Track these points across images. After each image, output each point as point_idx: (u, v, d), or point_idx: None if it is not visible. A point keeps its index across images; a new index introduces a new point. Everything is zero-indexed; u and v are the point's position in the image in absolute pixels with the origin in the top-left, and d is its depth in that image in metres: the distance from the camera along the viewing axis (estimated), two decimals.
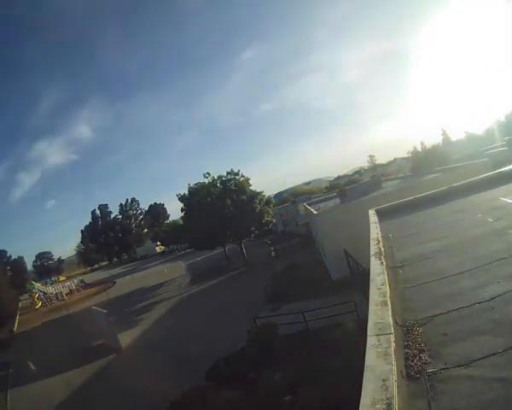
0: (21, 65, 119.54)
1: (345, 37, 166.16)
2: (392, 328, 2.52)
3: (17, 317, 34.91)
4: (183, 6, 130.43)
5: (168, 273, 38.24)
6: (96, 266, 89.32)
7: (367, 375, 2.10)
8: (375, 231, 5.99)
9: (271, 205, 35.61)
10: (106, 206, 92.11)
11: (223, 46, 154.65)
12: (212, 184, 31.30)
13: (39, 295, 41.75)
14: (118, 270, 64.03)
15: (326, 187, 61.36)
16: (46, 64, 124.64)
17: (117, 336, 17.60)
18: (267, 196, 35.06)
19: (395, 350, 2.28)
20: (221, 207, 28.86)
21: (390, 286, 3.44)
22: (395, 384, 1.95)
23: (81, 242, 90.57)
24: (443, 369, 2.16)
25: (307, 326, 13.12)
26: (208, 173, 31.95)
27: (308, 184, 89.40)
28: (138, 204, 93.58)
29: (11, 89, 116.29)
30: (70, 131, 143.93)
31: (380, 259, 4.24)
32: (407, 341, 2.57)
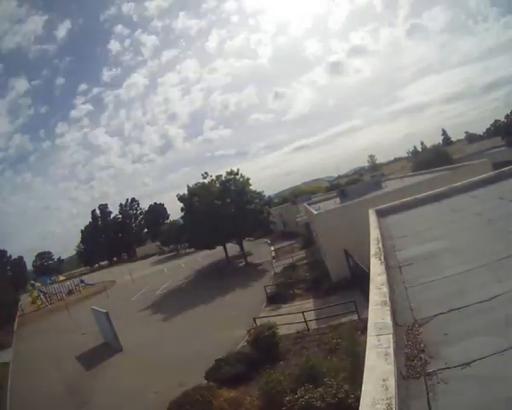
0: None
1: None
2: (392, 328, 2.52)
3: (17, 317, 34.90)
4: None
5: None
6: (96, 265, 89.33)
7: (367, 375, 2.10)
8: (375, 231, 5.99)
9: (271, 205, 35.64)
10: (106, 206, 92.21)
11: None
12: (212, 184, 31.34)
13: (39, 295, 41.73)
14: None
15: (326, 187, 61.40)
16: None
17: (117, 335, 17.57)
18: (267, 195, 35.11)
19: (395, 350, 2.28)
20: (221, 207, 28.88)
21: (390, 286, 3.44)
22: (395, 384, 1.94)
23: (81, 242, 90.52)
24: (443, 369, 2.16)
25: (307, 326, 13.13)
26: (206, 173, 32.00)
27: (308, 184, 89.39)
28: (138, 204, 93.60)
29: None
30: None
31: (380, 259, 4.24)
32: (407, 341, 2.57)
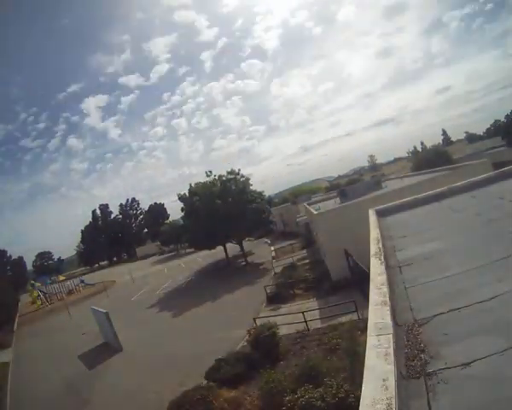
0: None
1: None
2: (392, 328, 2.52)
3: (17, 317, 34.90)
4: None
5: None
6: (96, 265, 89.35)
7: (367, 375, 2.10)
8: (375, 231, 5.99)
9: (271, 205, 35.59)
10: (106, 206, 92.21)
11: None
12: (213, 183, 31.32)
13: (39, 295, 41.73)
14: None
15: (326, 187, 61.43)
16: None
17: (117, 335, 17.56)
18: (267, 195, 35.05)
19: (395, 350, 2.28)
20: (222, 207, 28.86)
21: (390, 286, 3.44)
22: (395, 384, 1.94)
23: (81, 242, 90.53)
24: (443, 369, 2.16)
25: (307, 326, 13.12)
26: (210, 172, 32.00)
27: (308, 184, 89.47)
28: (138, 204, 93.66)
29: None
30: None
31: (380, 259, 4.24)
32: (407, 341, 2.57)
